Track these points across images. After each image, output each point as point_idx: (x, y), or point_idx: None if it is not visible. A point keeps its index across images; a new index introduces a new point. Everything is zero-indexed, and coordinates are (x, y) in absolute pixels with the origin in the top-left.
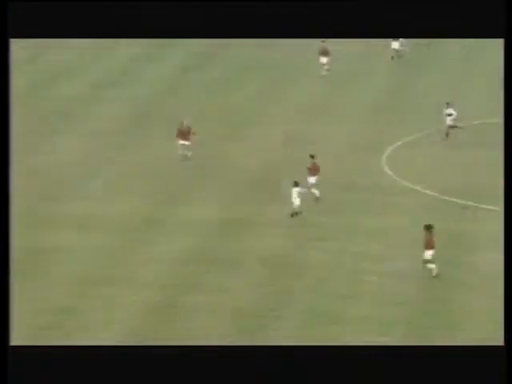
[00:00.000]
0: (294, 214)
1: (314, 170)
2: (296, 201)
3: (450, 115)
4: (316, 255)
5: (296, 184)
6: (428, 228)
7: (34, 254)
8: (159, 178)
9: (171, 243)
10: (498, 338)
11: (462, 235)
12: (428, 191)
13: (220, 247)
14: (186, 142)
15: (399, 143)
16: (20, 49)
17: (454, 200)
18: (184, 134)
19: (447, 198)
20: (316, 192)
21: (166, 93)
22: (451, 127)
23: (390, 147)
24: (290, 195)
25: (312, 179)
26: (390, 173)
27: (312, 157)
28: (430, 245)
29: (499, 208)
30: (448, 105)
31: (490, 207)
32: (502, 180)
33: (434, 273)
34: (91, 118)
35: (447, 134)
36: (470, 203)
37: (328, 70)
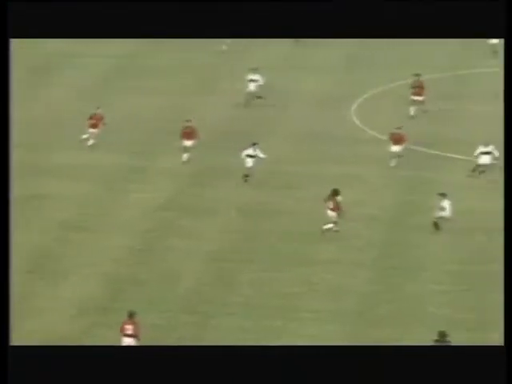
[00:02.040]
0: (245, 177)
1: (190, 134)
2: (248, 162)
3: (253, 81)
4: (286, 203)
5: (253, 144)
6: (334, 194)
7: (23, 202)
8: (135, 130)
9: (150, 191)
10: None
11: (427, 183)
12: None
13: (195, 195)
14: (95, 130)
15: (366, 95)
16: None
17: (420, 149)
18: (95, 122)
19: (413, 147)
20: (185, 156)
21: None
22: (257, 96)
23: (358, 99)
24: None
25: (188, 143)
26: (357, 123)
27: (188, 121)
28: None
29: (464, 157)
30: (253, 71)
31: (455, 156)
32: (466, 131)
33: (325, 228)
34: (69, 73)
35: (248, 100)
36: (437, 152)
37: None
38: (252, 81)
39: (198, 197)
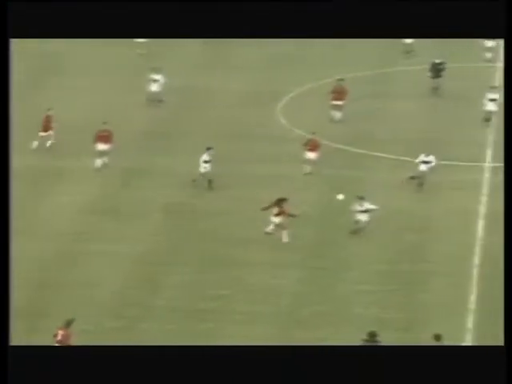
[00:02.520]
0: (195, 181)
1: (107, 138)
2: (205, 167)
3: (155, 81)
4: (214, 203)
5: (207, 149)
6: (280, 202)
7: None
8: (59, 131)
9: (74, 194)
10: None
11: (354, 182)
12: (322, 140)
13: (121, 197)
14: (44, 134)
15: (292, 94)
16: None
17: (346, 148)
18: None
19: (340, 146)
20: (105, 160)
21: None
22: (157, 100)
23: (284, 97)
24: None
25: (104, 147)
26: (283, 122)
27: (104, 123)
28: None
29: (390, 155)
30: (155, 70)
31: (381, 154)
32: (391, 129)
33: (287, 239)
34: None
35: (153, 100)
36: (363, 151)
37: None
38: (154, 81)
39: (123, 199)
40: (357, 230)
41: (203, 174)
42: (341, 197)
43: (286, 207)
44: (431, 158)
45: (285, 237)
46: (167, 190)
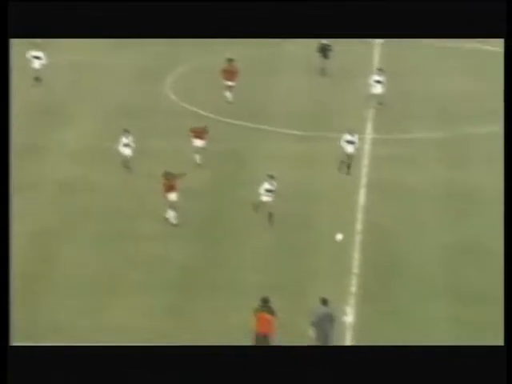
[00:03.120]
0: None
1: None
2: (125, 150)
3: (37, 58)
4: (106, 178)
5: (125, 131)
6: (167, 176)
7: None
8: None
9: None
10: None
11: (240, 154)
12: (211, 114)
13: (14, 171)
14: None
15: (183, 69)
16: None
17: (236, 122)
18: None
19: (229, 120)
20: None
21: None
22: (35, 78)
23: (174, 73)
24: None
25: None
26: (173, 97)
27: None
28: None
29: (279, 129)
30: (35, 47)
31: (270, 128)
32: (279, 103)
33: (175, 221)
34: None
35: (37, 79)
36: (252, 125)
37: None
38: (35, 58)
39: (16, 174)
40: (260, 208)
41: (126, 157)
42: (340, 237)
43: (176, 181)
44: (356, 137)
45: (173, 218)
46: (60, 166)
